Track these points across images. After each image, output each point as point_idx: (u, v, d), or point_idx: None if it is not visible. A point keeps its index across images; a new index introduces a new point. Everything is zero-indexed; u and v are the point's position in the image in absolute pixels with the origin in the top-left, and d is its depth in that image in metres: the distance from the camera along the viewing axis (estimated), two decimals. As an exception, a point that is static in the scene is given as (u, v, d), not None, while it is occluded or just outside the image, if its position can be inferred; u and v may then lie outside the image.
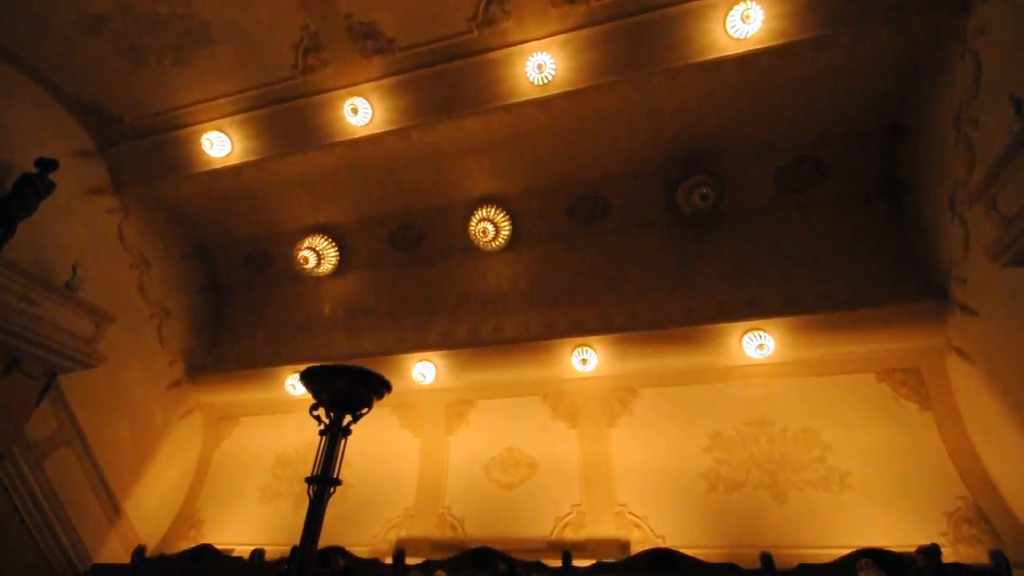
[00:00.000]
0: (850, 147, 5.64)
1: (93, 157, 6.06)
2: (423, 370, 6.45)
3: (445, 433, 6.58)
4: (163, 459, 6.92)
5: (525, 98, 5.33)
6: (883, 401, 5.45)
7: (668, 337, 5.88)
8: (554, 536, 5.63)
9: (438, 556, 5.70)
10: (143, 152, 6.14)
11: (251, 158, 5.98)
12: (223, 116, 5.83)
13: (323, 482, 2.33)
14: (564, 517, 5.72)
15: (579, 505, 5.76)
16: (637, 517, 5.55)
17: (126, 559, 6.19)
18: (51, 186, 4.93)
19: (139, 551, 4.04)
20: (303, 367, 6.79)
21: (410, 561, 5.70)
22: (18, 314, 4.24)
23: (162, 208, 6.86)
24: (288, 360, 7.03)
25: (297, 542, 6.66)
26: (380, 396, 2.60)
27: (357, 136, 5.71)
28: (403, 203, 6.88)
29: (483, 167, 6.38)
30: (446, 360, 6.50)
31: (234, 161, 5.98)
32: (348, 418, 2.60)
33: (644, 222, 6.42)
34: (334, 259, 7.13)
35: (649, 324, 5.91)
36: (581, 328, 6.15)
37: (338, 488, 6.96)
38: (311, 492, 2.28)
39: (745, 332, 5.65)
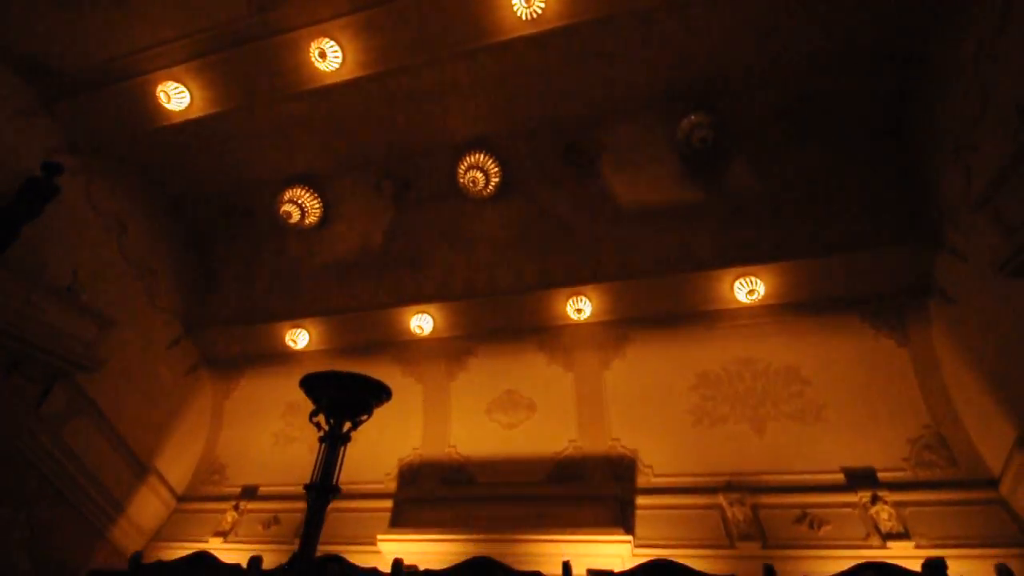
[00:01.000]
0: (858, 81, 5.29)
1: (41, 116, 5.52)
2: (420, 322, 6.55)
3: (446, 380, 6.86)
4: (177, 414, 7.21)
5: (514, 35, 4.84)
6: (864, 339, 5.71)
7: (661, 285, 5.94)
8: (553, 466, 6.14)
9: (447, 488, 6.25)
10: (95, 108, 5.58)
11: (213, 110, 5.50)
12: (177, 63, 5.23)
13: (322, 490, 2.29)
14: (562, 451, 6.20)
15: (575, 440, 6.21)
16: (628, 449, 6.03)
17: (161, 510, 6.73)
18: (56, 189, 4.80)
19: (135, 557, 4.15)
20: (300, 321, 6.91)
21: (418, 492, 6.26)
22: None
23: (128, 166, 6.42)
24: (283, 315, 7.07)
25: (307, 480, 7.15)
26: (380, 403, 2.63)
27: (328, 83, 5.23)
28: (385, 149, 6.50)
29: (468, 109, 5.95)
30: (443, 312, 6.58)
31: (196, 114, 5.50)
32: (348, 425, 2.65)
33: (639, 164, 6.17)
34: (318, 211, 6.88)
35: (642, 272, 5.95)
36: (575, 277, 6.17)
37: (352, 443, 7.36)
38: (310, 499, 2.24)
39: (737, 278, 5.73)
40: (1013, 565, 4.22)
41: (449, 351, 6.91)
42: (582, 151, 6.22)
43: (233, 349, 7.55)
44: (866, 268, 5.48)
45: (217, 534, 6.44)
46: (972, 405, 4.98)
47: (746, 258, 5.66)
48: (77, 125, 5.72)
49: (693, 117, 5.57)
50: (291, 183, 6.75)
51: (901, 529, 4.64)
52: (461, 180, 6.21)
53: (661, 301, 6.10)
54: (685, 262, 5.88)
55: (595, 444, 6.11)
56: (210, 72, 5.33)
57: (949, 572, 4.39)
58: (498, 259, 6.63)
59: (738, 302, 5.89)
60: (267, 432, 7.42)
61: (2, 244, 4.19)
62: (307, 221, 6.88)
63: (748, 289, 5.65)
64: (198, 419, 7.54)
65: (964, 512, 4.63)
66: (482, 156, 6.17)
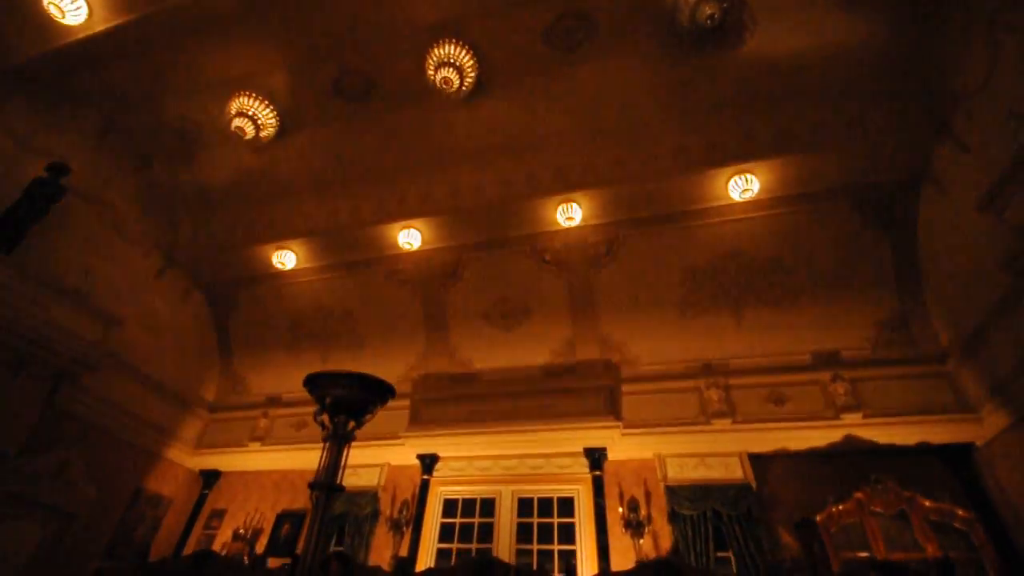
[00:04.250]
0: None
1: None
2: (409, 238, 6.41)
3: (441, 290, 7.00)
4: (186, 338, 7.44)
5: None
6: (850, 227, 5.79)
7: (654, 187, 5.74)
8: (549, 363, 6.71)
9: (455, 388, 6.87)
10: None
11: (119, 20, 4.50)
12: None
13: (327, 488, 2.24)
14: (557, 350, 6.70)
15: (569, 339, 6.67)
16: (618, 344, 6.52)
17: (197, 424, 7.39)
18: (63, 191, 4.81)
19: (142, 554, 4.32)
20: (283, 243, 6.71)
21: (428, 394, 6.90)
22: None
23: (44, 88, 5.45)
24: (264, 237, 6.85)
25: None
26: (384, 402, 2.67)
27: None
28: (338, 43, 5.52)
29: (431, -11, 4.93)
30: (429, 226, 6.40)
31: (99, 27, 4.51)
32: (351, 424, 2.67)
33: (633, 44, 5.40)
34: (273, 121, 6.13)
35: (635, 173, 5.69)
36: (564, 182, 5.91)
37: (358, 349, 7.69)
38: (313, 498, 2.16)
39: (732, 176, 5.53)
40: (942, 430, 5.04)
41: (441, 263, 6.91)
42: (567, 31, 5.35)
43: (223, 274, 7.46)
44: (866, 156, 5.29)
45: (254, 439, 7.23)
46: (940, 290, 5.32)
47: (745, 153, 5.40)
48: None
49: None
50: (236, 89, 5.87)
51: (854, 403, 5.36)
52: (431, 78, 5.44)
53: (654, 203, 5.96)
54: (682, 157, 5.61)
55: (587, 341, 6.58)
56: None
57: (887, 439, 5.24)
58: (482, 164, 6.23)
59: (730, 199, 5.78)
60: (277, 344, 7.79)
61: (9, 244, 4.21)
62: (263, 134, 6.18)
63: (743, 188, 5.50)
64: (208, 339, 7.81)
65: (912, 386, 5.30)
66: (453, 47, 5.32)
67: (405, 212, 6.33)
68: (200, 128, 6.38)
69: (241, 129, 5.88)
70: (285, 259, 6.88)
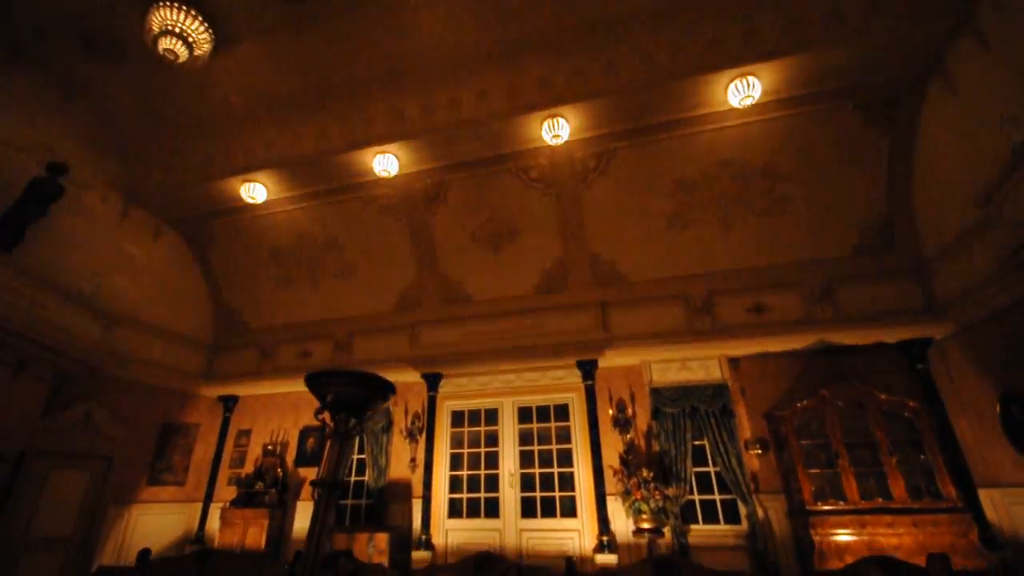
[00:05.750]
0: None
1: None
2: (385, 164, 5.97)
3: (427, 213, 6.75)
4: (168, 276, 7.30)
5: None
6: (850, 127, 5.50)
7: (647, 97, 5.24)
8: (540, 282, 6.81)
9: (449, 308, 7.04)
10: None
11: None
12: None
13: (331, 485, 2.25)
14: (548, 267, 6.75)
15: (560, 257, 6.67)
16: (607, 260, 6.56)
17: (202, 359, 7.58)
18: (61, 190, 4.88)
19: (143, 553, 4.38)
20: (250, 175, 6.28)
21: (424, 317, 7.09)
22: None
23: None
24: (224, 170, 6.32)
25: (324, 316, 7.96)
26: (385, 399, 2.73)
27: None
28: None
29: None
30: (405, 150, 5.92)
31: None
32: (352, 420, 2.73)
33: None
34: (207, 37, 5.24)
35: (628, 82, 5.15)
36: (549, 94, 5.36)
37: (349, 275, 7.71)
38: (316, 495, 2.12)
39: (733, 80, 5.05)
40: (908, 331, 5.43)
41: (423, 186, 6.55)
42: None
43: (191, 209, 7.02)
44: (878, 48, 4.79)
45: (261, 368, 7.55)
46: (930, 189, 5.27)
47: (747, 52, 4.86)
48: None
49: None
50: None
51: (830, 308, 5.67)
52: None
53: (648, 112, 5.50)
54: (678, 57, 5.06)
55: (577, 258, 6.60)
56: None
57: (857, 340, 5.63)
58: (455, 75, 5.56)
59: (729, 105, 5.34)
60: (266, 277, 7.70)
61: (9, 244, 4.18)
62: (198, 53, 5.33)
63: (744, 95, 5.05)
64: (190, 275, 7.67)
65: (887, 290, 5.56)
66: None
67: (376, 135, 5.80)
68: (124, 46, 5.45)
69: (171, 52, 5.04)
70: (255, 192, 6.45)
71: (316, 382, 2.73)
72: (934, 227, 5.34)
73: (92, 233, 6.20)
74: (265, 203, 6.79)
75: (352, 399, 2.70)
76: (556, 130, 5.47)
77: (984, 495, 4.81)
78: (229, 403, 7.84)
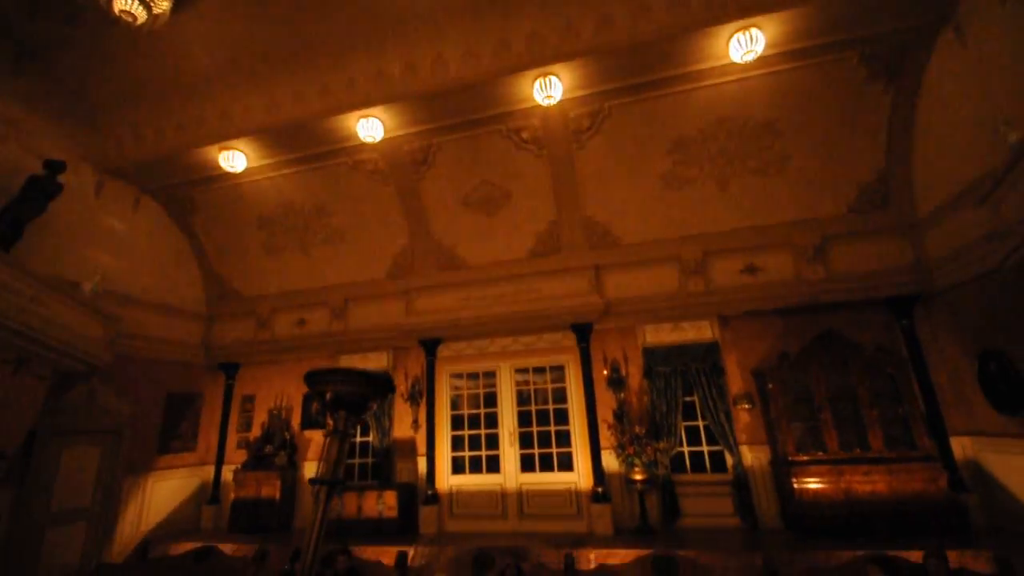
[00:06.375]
0: None
1: None
2: (370, 129, 5.70)
3: (415, 177, 6.54)
4: (155, 248, 7.14)
5: None
6: (854, 80, 5.29)
7: (644, 52, 4.96)
8: (534, 246, 6.75)
9: (443, 274, 7.01)
10: None
11: None
12: None
13: (331, 483, 2.22)
14: (541, 230, 6.67)
15: (554, 220, 6.58)
16: (601, 222, 6.49)
17: (200, 328, 7.60)
18: (59, 187, 4.87)
19: (142, 550, 4.33)
20: (227, 143, 6.02)
21: (418, 283, 7.08)
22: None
23: None
24: (199, 137, 6.02)
25: (317, 283, 7.94)
26: (384, 398, 2.74)
27: None
28: None
29: None
30: (389, 113, 5.64)
31: None
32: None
33: None
34: (167, -5, 4.78)
35: (624, 39, 4.86)
36: (541, 51, 5.06)
37: (339, 242, 7.65)
38: (315, 493, 2.07)
39: (735, 32, 4.77)
40: (897, 288, 5.53)
41: (410, 149, 6.29)
42: None
43: (170, 178, 6.73)
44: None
45: (260, 337, 7.60)
46: (929, 148, 5.18)
47: (749, 6, 4.56)
48: None
49: None
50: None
51: (822, 268, 5.73)
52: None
53: (644, 68, 5.22)
54: (677, 9, 4.75)
55: (571, 221, 6.51)
56: None
57: (847, 297, 5.73)
58: (438, 29, 5.20)
59: (729, 59, 5.09)
60: (254, 245, 7.56)
61: (8, 242, 4.15)
62: (157, 9, 4.89)
63: (746, 49, 4.79)
64: (176, 244, 7.51)
65: (879, 248, 5.60)
66: None
67: (358, 98, 5.49)
68: (76, 11, 4.99)
69: (128, 13, 4.62)
70: (235, 161, 6.18)
71: (314, 380, 2.72)
72: (931, 186, 5.30)
73: (69, 208, 5.97)
74: (247, 170, 6.53)
75: (352, 399, 2.70)
76: (548, 90, 5.21)
77: (955, 442, 5.13)
78: (231, 371, 7.95)
